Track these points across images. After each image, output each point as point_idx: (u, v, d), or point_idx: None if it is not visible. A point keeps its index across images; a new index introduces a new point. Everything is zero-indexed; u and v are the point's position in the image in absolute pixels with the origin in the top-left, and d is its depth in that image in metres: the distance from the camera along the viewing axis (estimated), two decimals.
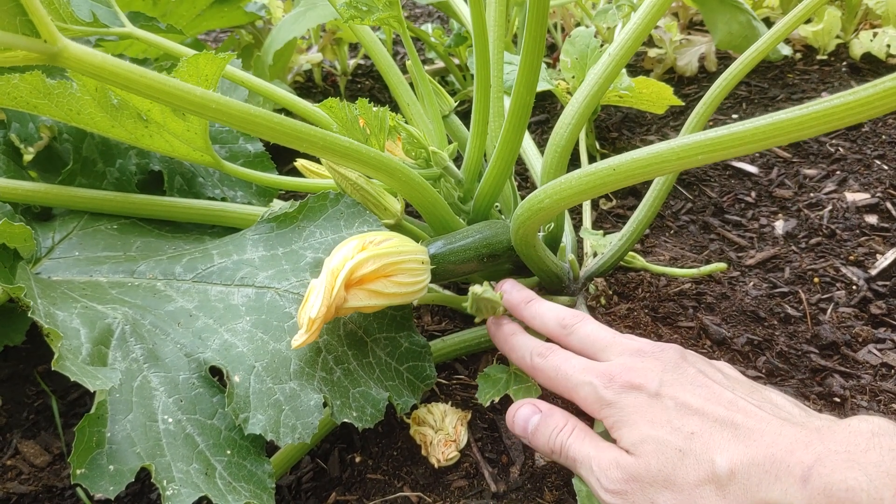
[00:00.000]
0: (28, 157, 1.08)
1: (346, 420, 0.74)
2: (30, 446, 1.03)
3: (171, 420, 0.71)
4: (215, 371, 0.75)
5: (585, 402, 0.74)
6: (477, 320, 0.93)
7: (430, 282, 0.85)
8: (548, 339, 0.86)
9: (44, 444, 1.04)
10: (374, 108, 0.90)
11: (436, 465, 0.89)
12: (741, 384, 0.74)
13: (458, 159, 1.02)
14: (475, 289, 0.87)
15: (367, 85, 2.13)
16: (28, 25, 0.57)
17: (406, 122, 0.97)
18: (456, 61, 1.95)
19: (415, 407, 0.91)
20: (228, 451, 0.71)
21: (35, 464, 1.01)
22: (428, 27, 1.96)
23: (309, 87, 2.13)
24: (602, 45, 1.32)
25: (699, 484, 0.63)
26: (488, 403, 0.88)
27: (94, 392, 0.66)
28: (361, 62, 2.22)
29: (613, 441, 0.72)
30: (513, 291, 0.90)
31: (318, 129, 0.75)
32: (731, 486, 0.61)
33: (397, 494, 0.88)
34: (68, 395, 1.12)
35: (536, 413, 0.79)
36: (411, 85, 1.12)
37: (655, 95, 1.41)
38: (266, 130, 0.72)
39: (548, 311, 0.85)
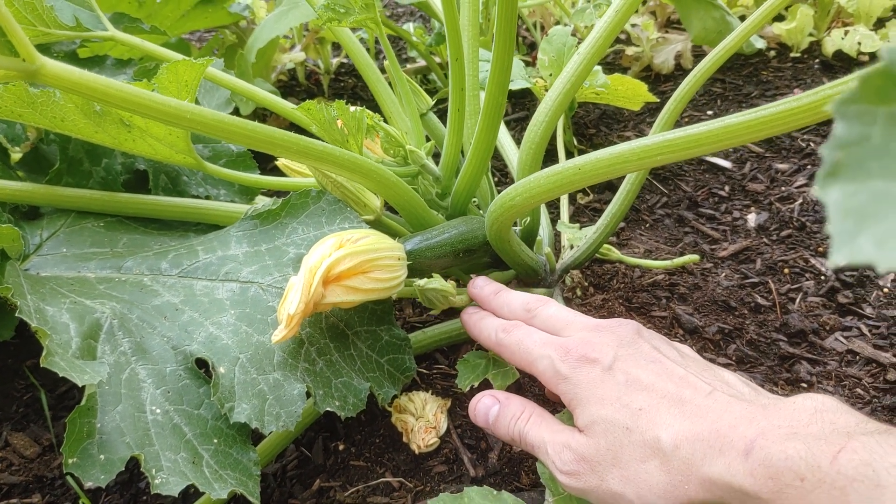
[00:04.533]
0: (16, 157, 1.10)
1: (328, 409, 0.77)
2: (20, 438, 1.05)
3: (158, 411, 0.74)
4: (201, 363, 0.78)
5: (544, 376, 0.76)
6: (434, 312, 0.95)
7: (408, 277, 0.88)
8: None
9: (33, 436, 1.06)
10: (352, 109, 0.92)
11: (417, 452, 0.93)
12: (695, 362, 0.76)
13: (436, 156, 1.05)
14: (418, 282, 0.89)
15: (350, 83, 2.15)
16: (7, 45, 0.60)
17: (385, 121, 1.00)
18: (437, 59, 1.98)
19: (396, 396, 0.94)
20: (215, 440, 0.74)
21: (25, 455, 1.03)
22: (409, 26, 1.98)
23: (293, 85, 2.16)
24: (579, 44, 1.36)
25: (644, 460, 0.65)
26: (468, 388, 0.90)
27: (84, 384, 0.69)
28: (344, 61, 2.24)
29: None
30: (484, 286, 0.93)
31: (293, 134, 0.77)
32: (674, 461, 0.63)
33: (379, 480, 0.91)
34: (57, 388, 1.14)
35: (496, 403, 0.81)
36: (391, 84, 1.15)
37: (631, 92, 1.45)
38: (242, 138, 0.74)
39: (515, 298, 0.88)
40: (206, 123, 0.70)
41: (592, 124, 1.74)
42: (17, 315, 0.70)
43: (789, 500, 0.54)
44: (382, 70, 1.20)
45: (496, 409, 0.81)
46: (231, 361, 0.76)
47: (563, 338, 0.78)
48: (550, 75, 1.37)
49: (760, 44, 1.89)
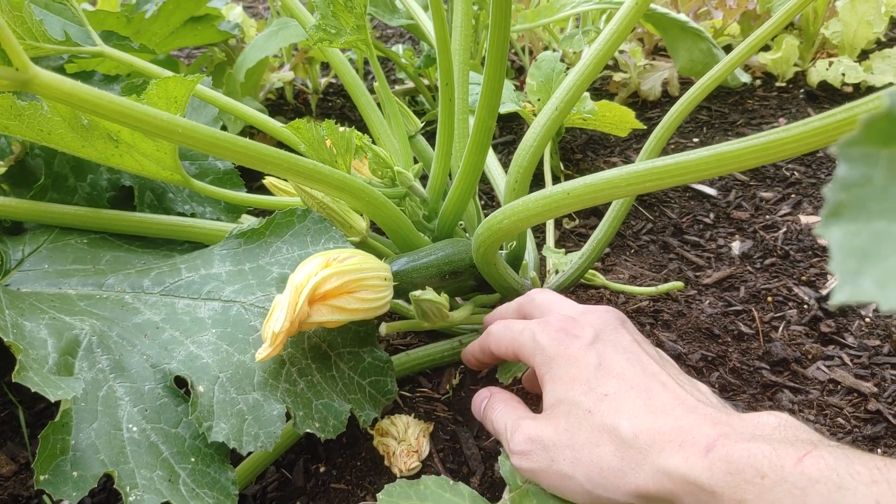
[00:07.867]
0: (0, 171, 1.09)
1: (308, 430, 0.76)
2: None
3: (135, 429, 0.73)
4: (180, 381, 0.77)
5: (524, 349, 0.77)
6: (427, 326, 0.95)
7: (394, 298, 0.88)
8: None
9: (10, 453, 1.04)
10: (341, 129, 0.92)
11: (398, 475, 0.92)
12: (673, 366, 0.76)
13: (424, 178, 1.05)
14: (415, 292, 0.89)
15: (339, 103, 2.16)
16: (0, 55, 0.60)
17: (374, 142, 1.00)
18: (426, 82, 1.99)
19: (377, 419, 0.94)
20: (192, 459, 0.73)
21: (1, 473, 1.01)
22: (399, 48, 1.99)
23: (280, 104, 2.16)
24: (567, 69, 1.37)
25: (599, 444, 0.65)
26: (509, 381, 0.93)
27: (57, 400, 0.68)
28: (333, 81, 2.25)
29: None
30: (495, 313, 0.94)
31: (283, 151, 0.77)
32: (630, 450, 0.63)
33: (360, 503, 0.90)
34: (35, 405, 1.12)
35: (487, 396, 0.84)
36: (379, 105, 1.15)
37: (618, 119, 1.46)
38: (232, 154, 0.74)
39: (510, 303, 0.91)
40: (197, 138, 0.70)
41: (579, 149, 1.75)
42: None
43: (745, 495, 0.54)
44: (371, 91, 1.20)
45: (486, 401, 0.83)
46: (211, 380, 0.75)
47: (549, 315, 0.79)
48: (539, 100, 1.38)
49: (745, 78, 1.91)
